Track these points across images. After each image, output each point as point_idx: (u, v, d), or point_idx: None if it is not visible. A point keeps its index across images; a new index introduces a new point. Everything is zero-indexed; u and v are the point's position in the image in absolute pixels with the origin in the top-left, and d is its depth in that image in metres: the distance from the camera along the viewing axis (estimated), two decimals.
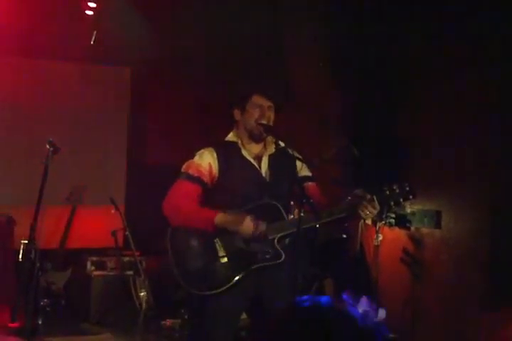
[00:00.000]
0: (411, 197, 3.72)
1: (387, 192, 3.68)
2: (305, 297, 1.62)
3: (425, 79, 5.50)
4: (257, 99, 3.81)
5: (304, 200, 3.50)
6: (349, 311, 1.56)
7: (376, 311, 1.60)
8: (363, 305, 1.60)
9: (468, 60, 5.09)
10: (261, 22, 6.77)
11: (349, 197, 3.66)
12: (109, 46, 7.10)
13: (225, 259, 3.68)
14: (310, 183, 3.87)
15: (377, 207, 3.62)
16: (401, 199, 3.69)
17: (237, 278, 3.64)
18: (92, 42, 6.80)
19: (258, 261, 3.67)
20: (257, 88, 3.89)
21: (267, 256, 3.67)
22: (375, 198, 3.64)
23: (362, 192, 3.66)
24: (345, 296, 1.61)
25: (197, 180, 3.76)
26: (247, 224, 3.61)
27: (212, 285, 3.65)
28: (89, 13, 6.77)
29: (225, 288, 3.63)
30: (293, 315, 1.59)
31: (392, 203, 3.69)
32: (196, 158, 3.82)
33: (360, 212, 3.61)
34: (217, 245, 3.69)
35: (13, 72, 7.30)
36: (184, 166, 3.84)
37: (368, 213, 3.62)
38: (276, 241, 3.67)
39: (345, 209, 3.65)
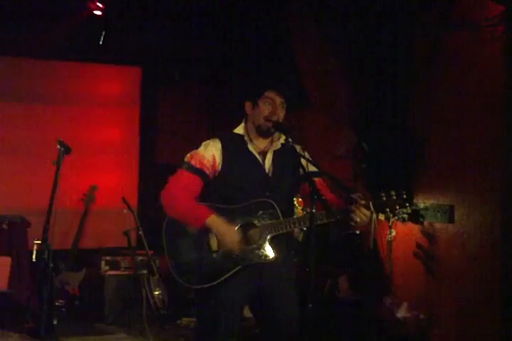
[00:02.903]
0: (407, 204, 3.68)
1: (384, 199, 3.65)
2: None
3: (438, 75, 5.48)
4: (270, 95, 3.74)
5: (316, 197, 3.46)
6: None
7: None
8: (402, 311, 1.56)
9: (483, 51, 5.07)
10: (272, 21, 6.79)
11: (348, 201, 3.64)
12: (119, 46, 7.12)
13: (218, 255, 3.64)
14: (316, 178, 3.80)
15: (368, 214, 3.58)
16: (397, 207, 3.66)
17: (227, 275, 3.61)
18: (100, 43, 6.82)
19: (249, 258, 3.64)
20: (271, 83, 3.82)
21: (259, 255, 3.64)
22: (370, 204, 3.61)
23: (360, 196, 3.63)
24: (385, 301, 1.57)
25: (198, 171, 3.70)
26: (230, 240, 3.58)
27: (202, 280, 3.63)
28: (98, 13, 6.79)
29: (215, 283, 3.61)
30: None
31: (388, 210, 3.66)
32: (201, 149, 3.76)
33: (352, 216, 3.56)
34: (211, 240, 3.65)
35: (24, 73, 7.34)
36: (188, 156, 3.77)
37: (359, 220, 3.55)
38: (268, 240, 3.64)
39: (340, 213, 3.61)
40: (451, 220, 5.28)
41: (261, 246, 3.65)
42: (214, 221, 3.59)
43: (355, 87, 6.23)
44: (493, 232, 4.92)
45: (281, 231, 3.65)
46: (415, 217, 5.48)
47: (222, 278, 3.61)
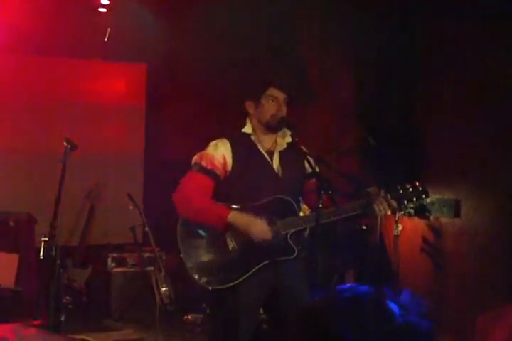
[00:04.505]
0: (424, 196, 3.71)
1: (401, 191, 3.68)
2: (346, 286, 1.57)
3: (443, 67, 5.47)
4: (273, 92, 3.75)
5: (323, 192, 3.47)
6: (388, 305, 1.50)
7: (419, 305, 1.55)
8: (404, 299, 1.55)
9: (485, 46, 5.06)
10: (276, 12, 6.78)
11: (363, 195, 3.66)
12: (124, 42, 7.12)
13: (236, 253, 3.62)
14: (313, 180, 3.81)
15: (393, 203, 3.62)
16: (414, 199, 3.69)
17: (248, 273, 3.59)
18: (105, 40, 6.83)
19: (270, 256, 3.62)
20: (272, 80, 3.83)
21: (280, 252, 3.64)
22: (388, 196, 3.63)
23: (375, 189, 3.65)
24: (386, 289, 1.56)
25: (210, 172, 3.67)
26: (260, 229, 3.56)
27: (222, 280, 3.60)
28: (103, 10, 6.80)
29: (235, 282, 3.58)
30: (330, 304, 1.55)
31: (405, 202, 3.69)
32: (210, 149, 3.73)
33: (375, 208, 3.59)
34: (228, 239, 3.63)
35: (30, 71, 7.35)
36: (197, 157, 3.74)
37: (382, 210, 3.60)
38: (289, 236, 3.64)
39: (359, 206, 3.64)
40: (457, 214, 5.28)
41: (282, 243, 3.64)
42: (236, 216, 3.57)
43: (358, 84, 6.24)
44: (499, 226, 4.92)
45: (300, 227, 3.65)
46: (421, 211, 5.47)
47: (244, 277, 3.58)
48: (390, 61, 5.84)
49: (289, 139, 3.83)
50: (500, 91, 4.94)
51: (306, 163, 3.77)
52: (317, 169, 3.77)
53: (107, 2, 6.77)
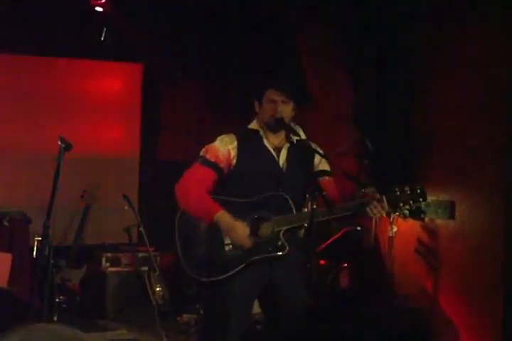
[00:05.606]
0: (421, 200, 3.71)
1: (398, 193, 3.68)
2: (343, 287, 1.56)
3: (439, 73, 5.48)
4: (271, 94, 3.82)
5: (317, 193, 3.49)
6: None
7: None
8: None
9: (485, 46, 5.06)
10: (275, 15, 6.79)
11: (359, 195, 3.67)
12: (121, 42, 7.11)
13: (230, 248, 3.68)
14: (327, 178, 3.87)
15: (386, 207, 3.62)
16: (411, 202, 3.69)
17: (238, 268, 3.64)
18: (102, 39, 6.82)
19: (262, 252, 3.67)
20: (271, 83, 3.89)
21: (271, 248, 3.67)
22: (384, 198, 3.63)
23: (372, 191, 3.65)
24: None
25: (213, 165, 3.76)
26: (240, 236, 3.63)
27: (214, 272, 3.66)
28: (99, 9, 6.79)
29: (226, 275, 3.64)
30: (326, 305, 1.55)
31: (401, 204, 3.69)
32: (216, 143, 3.83)
33: (368, 211, 3.61)
34: (223, 233, 3.69)
35: (26, 70, 7.34)
36: (203, 150, 3.84)
37: (376, 213, 3.62)
38: (281, 233, 3.67)
39: (354, 207, 3.65)
40: (451, 216, 5.28)
41: (274, 240, 3.67)
42: (222, 217, 3.63)
43: (356, 85, 6.24)
44: (495, 228, 4.92)
45: (294, 225, 3.69)
46: (416, 213, 5.46)
47: (234, 271, 3.64)
48: (390, 61, 5.84)
49: (301, 136, 3.87)
50: (500, 92, 4.94)
51: (314, 160, 3.86)
52: (327, 168, 3.86)
53: (104, 0, 6.74)
